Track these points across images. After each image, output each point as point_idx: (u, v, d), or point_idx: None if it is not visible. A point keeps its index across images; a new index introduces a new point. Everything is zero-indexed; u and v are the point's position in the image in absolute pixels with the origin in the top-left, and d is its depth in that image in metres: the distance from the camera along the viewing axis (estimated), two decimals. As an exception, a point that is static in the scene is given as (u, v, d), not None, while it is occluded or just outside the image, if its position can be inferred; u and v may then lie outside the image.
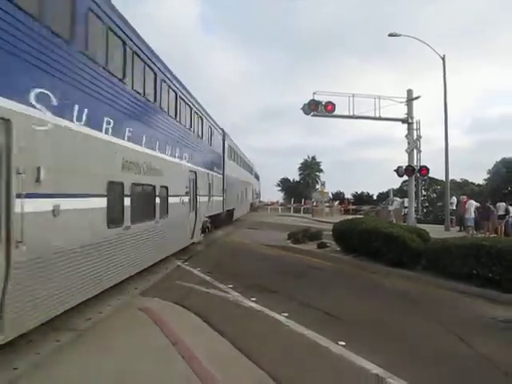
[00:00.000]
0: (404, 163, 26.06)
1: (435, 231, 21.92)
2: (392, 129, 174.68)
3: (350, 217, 27.85)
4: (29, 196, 5.98)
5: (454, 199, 29.90)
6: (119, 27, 9.54)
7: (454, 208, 28.94)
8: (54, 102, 6.71)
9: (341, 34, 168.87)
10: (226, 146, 29.28)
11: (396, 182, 64.56)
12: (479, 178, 76.30)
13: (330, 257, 16.99)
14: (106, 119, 8.66)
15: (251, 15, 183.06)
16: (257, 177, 68.00)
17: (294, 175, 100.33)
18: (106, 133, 8.74)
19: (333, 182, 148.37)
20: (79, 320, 8.05)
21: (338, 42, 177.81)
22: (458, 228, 27.30)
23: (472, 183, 72.56)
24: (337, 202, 58.04)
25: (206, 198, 21.22)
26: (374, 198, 77.35)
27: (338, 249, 18.30)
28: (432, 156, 67.46)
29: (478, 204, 25.89)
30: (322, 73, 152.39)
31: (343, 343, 7.01)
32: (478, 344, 7.20)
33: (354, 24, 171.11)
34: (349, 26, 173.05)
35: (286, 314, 8.60)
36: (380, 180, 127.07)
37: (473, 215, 24.86)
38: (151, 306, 9.16)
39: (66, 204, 7.04)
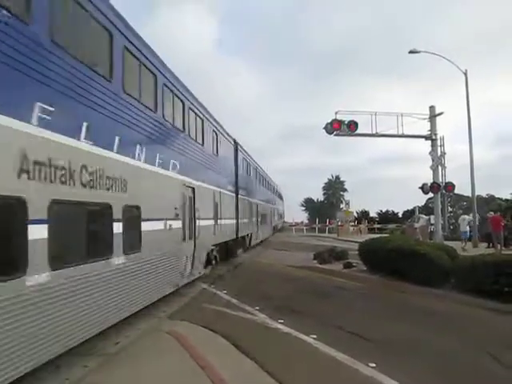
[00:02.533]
0: (429, 180, 25.89)
1: (465, 251, 21.65)
2: (415, 146, 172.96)
3: (375, 235, 27.64)
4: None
5: (466, 218, 29.83)
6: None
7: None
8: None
9: (357, 51, 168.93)
10: (240, 158, 25.40)
11: (421, 200, 63.61)
12: (506, 192, 74.89)
13: (356, 277, 16.83)
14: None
15: (264, 35, 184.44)
16: (280, 197, 66.98)
17: (318, 195, 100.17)
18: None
19: (357, 200, 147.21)
20: (107, 344, 8.10)
21: (355, 59, 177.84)
22: (486, 244, 26.91)
23: (499, 198, 71.35)
24: (360, 222, 57.47)
25: (212, 222, 17.08)
26: (400, 215, 76.54)
27: (365, 268, 18.17)
28: (457, 172, 66.69)
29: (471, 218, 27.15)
30: (341, 91, 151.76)
31: (373, 365, 6.89)
32: (508, 360, 7.03)
33: (370, 41, 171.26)
34: (364, 43, 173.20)
35: (315, 336, 8.50)
36: (405, 197, 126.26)
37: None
38: (179, 329, 9.15)
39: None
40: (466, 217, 30.08)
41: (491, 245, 25.66)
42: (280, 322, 9.68)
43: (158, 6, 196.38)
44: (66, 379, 6.47)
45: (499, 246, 23.86)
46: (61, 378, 6.50)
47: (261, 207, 35.82)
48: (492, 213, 28.21)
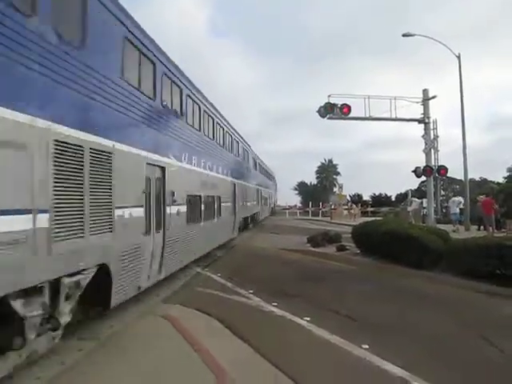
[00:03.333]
0: (421, 163, 25.94)
1: (456, 233, 21.77)
2: (408, 129, 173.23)
3: (368, 219, 27.76)
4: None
5: (461, 199, 29.94)
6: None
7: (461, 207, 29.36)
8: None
9: (353, 35, 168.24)
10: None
11: (414, 183, 64.01)
12: (499, 176, 75.19)
13: (349, 260, 16.92)
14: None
15: (262, 19, 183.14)
16: (275, 183, 69.25)
17: (312, 178, 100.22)
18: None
19: (350, 184, 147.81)
20: (102, 328, 8.12)
21: (350, 44, 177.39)
22: (476, 227, 27.10)
23: (492, 182, 71.65)
24: (356, 205, 57.47)
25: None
26: (393, 199, 76.80)
27: (358, 251, 18.26)
28: (450, 155, 66.82)
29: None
30: (336, 75, 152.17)
31: (367, 346, 6.96)
32: (505, 346, 7.07)
33: (366, 25, 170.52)
34: (360, 28, 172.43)
35: (308, 319, 8.56)
36: (398, 181, 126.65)
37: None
38: (173, 313, 9.19)
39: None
40: (456, 199, 30.32)
41: (482, 228, 25.83)
42: (274, 305, 9.73)
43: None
44: (62, 363, 6.49)
45: (491, 228, 24.01)
46: (56, 361, 6.53)
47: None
48: (482, 196, 28.36)
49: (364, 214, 52.55)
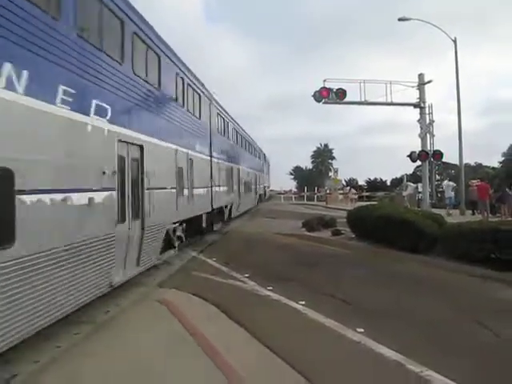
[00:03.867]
0: (417, 148, 25.93)
1: (450, 217, 21.84)
2: (404, 114, 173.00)
3: (363, 204, 27.81)
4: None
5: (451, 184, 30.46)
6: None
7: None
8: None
9: (348, 19, 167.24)
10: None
11: (409, 168, 64.14)
12: (494, 161, 75.46)
13: (344, 244, 16.96)
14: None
15: (259, 4, 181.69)
16: (266, 163, 60.53)
17: (307, 163, 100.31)
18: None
19: (346, 169, 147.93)
20: (97, 313, 8.13)
21: (346, 28, 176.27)
22: (470, 212, 27.23)
23: (486, 166, 71.85)
24: (350, 189, 57.46)
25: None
26: (388, 183, 77.02)
27: (353, 236, 18.31)
28: (445, 140, 66.74)
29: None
30: (331, 60, 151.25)
31: (362, 330, 6.99)
32: (501, 330, 7.11)
33: (362, 9, 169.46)
34: (356, 12, 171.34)
35: (303, 303, 8.59)
36: (393, 166, 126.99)
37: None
38: (168, 297, 9.21)
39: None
40: (450, 183, 30.71)
41: (477, 212, 25.95)
42: (269, 289, 9.76)
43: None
44: (57, 346, 6.51)
45: (486, 213, 24.11)
46: (52, 345, 6.54)
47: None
48: (474, 181, 28.51)
49: (359, 198, 52.58)
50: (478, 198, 24.95)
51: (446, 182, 32.54)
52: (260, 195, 46.50)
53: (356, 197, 49.68)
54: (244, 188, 31.98)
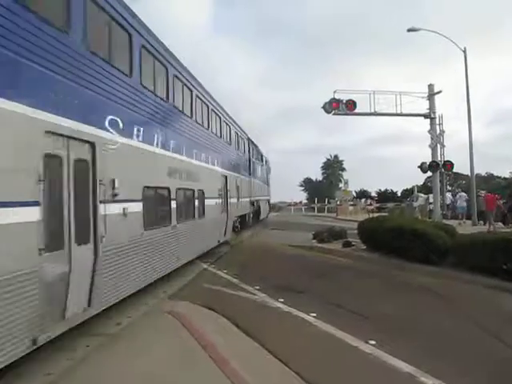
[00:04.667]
0: (427, 159, 25.87)
1: (462, 227, 21.72)
2: (414, 124, 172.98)
3: (374, 215, 27.71)
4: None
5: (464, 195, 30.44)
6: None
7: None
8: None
9: (357, 30, 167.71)
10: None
11: (420, 179, 63.95)
12: (505, 171, 75.04)
13: (355, 255, 16.87)
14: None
15: (264, 15, 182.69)
16: (266, 166, 43.67)
17: (317, 175, 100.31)
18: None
19: (356, 180, 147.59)
20: (108, 325, 8.15)
21: (356, 40, 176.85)
22: (482, 222, 27.06)
23: (498, 177, 71.49)
24: (367, 200, 57.11)
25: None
26: (398, 194, 76.77)
27: (364, 247, 18.18)
28: (456, 150, 66.69)
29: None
30: (340, 71, 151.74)
31: (373, 342, 6.95)
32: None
33: (370, 21, 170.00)
34: (364, 24, 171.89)
35: (314, 314, 8.56)
36: (403, 177, 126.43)
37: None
38: (179, 309, 9.20)
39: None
40: (463, 194, 30.81)
41: (488, 223, 25.80)
42: (280, 301, 9.73)
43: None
44: (69, 359, 6.53)
45: (491, 224, 23.89)
46: (63, 357, 6.56)
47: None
48: (483, 192, 28.32)
49: (369, 210, 52.21)
50: (485, 208, 24.82)
51: (460, 193, 32.72)
52: (256, 210, 33.64)
53: (373, 207, 49.17)
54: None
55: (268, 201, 44.90)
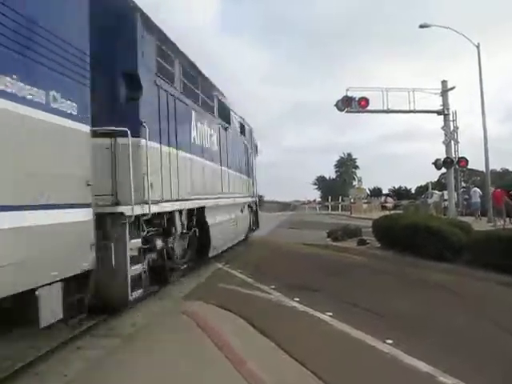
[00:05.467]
0: (440, 155, 25.73)
1: (477, 223, 21.55)
2: (427, 121, 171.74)
3: (388, 212, 27.58)
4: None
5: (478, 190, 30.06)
6: None
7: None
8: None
9: (368, 27, 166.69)
10: None
11: (434, 175, 63.41)
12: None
13: (370, 253, 16.82)
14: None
15: (275, 12, 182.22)
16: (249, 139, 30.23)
17: (330, 173, 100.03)
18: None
19: (369, 177, 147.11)
20: (124, 326, 8.18)
21: (367, 37, 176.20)
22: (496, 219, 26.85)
23: (513, 172, 70.71)
24: (386, 197, 56.70)
25: None
26: (413, 192, 76.27)
27: (378, 245, 18.12)
28: (470, 146, 66.12)
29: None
30: (353, 68, 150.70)
31: (390, 341, 6.89)
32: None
33: (382, 17, 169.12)
34: (377, 20, 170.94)
35: (330, 313, 8.49)
36: (417, 173, 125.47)
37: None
38: (195, 309, 9.20)
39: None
40: (477, 189, 30.41)
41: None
42: (296, 301, 9.68)
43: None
44: (86, 359, 6.55)
45: (502, 220, 23.66)
46: (80, 357, 6.58)
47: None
48: (492, 188, 28.08)
49: (383, 207, 51.85)
50: (494, 204, 24.61)
51: (474, 188, 32.25)
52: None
53: (391, 205, 48.80)
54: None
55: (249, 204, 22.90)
